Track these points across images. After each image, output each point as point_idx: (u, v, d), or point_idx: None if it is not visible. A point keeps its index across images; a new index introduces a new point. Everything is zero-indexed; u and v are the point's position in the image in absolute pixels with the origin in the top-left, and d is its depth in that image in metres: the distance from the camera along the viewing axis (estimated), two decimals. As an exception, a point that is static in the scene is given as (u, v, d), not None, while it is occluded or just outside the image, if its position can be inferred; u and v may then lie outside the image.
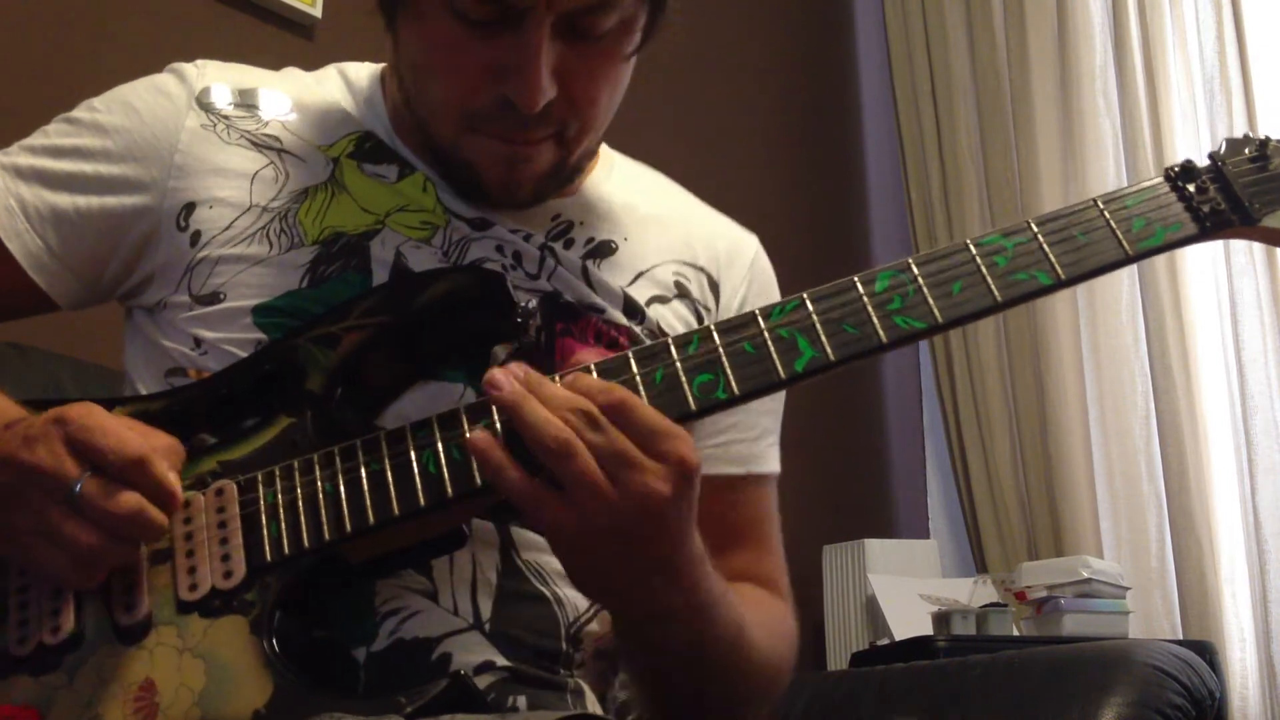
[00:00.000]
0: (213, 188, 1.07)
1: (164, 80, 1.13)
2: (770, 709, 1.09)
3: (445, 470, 0.88)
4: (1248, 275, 2.97)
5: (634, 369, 0.89)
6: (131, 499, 0.85)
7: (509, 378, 0.85)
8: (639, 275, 1.13)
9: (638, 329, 1.09)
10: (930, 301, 0.89)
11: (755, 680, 1.03)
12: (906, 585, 2.87)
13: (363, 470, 0.90)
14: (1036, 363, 3.20)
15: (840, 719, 1.73)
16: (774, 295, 1.20)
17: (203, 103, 1.11)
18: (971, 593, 2.89)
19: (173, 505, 0.88)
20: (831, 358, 0.89)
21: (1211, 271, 3.04)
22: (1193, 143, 3.07)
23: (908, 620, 2.75)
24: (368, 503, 0.89)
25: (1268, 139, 0.95)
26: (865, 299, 0.90)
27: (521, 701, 0.98)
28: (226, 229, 1.05)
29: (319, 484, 0.90)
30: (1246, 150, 0.95)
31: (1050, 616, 2.68)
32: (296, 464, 0.91)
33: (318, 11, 2.26)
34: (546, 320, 1.06)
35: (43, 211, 1.07)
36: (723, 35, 3.22)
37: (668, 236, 1.17)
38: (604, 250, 1.13)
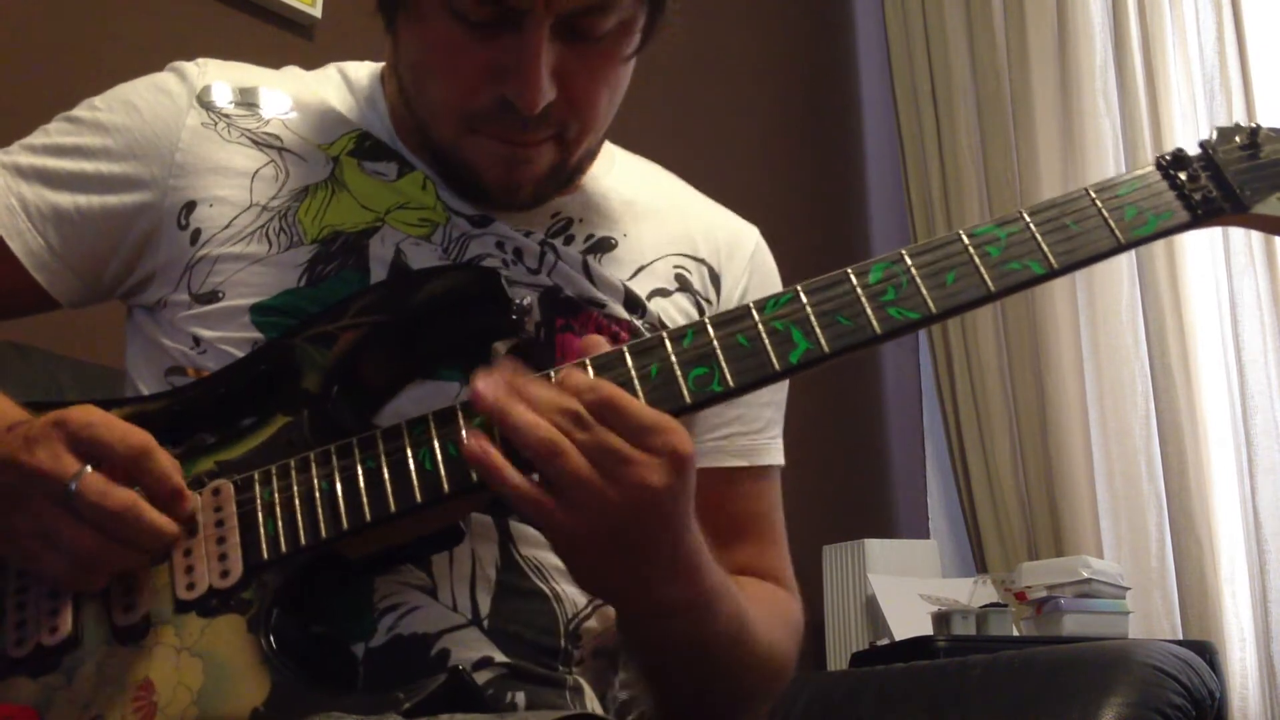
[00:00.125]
0: (213, 186, 1.07)
1: (165, 79, 1.13)
2: (775, 702, 1.09)
3: (442, 467, 0.88)
4: (1248, 275, 2.97)
5: (629, 363, 0.89)
6: (124, 495, 0.85)
7: (493, 383, 0.85)
8: (640, 269, 1.13)
9: (639, 323, 1.10)
10: (924, 292, 0.90)
11: (759, 673, 1.03)
12: (906, 585, 2.87)
13: (359, 467, 0.90)
14: (1036, 363, 3.20)
15: (840, 719, 1.73)
16: (775, 286, 1.20)
17: (204, 101, 1.11)
18: (971, 593, 2.89)
19: (179, 503, 0.88)
20: (826, 349, 0.89)
21: (1211, 271, 3.04)
22: (1192, 143, 3.06)
23: (908, 620, 2.75)
24: (364, 500, 0.89)
25: (1258, 127, 0.95)
26: (859, 290, 0.90)
27: (520, 698, 0.98)
28: (226, 227, 1.05)
29: (315, 482, 0.90)
30: (1237, 139, 0.95)
31: (1050, 616, 2.68)
32: (293, 462, 0.92)
33: (318, 11, 2.26)
34: (547, 316, 1.06)
35: (44, 210, 1.08)
36: (723, 35, 3.22)
37: (668, 229, 1.17)
38: (604, 246, 1.13)
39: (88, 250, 1.08)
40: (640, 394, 0.88)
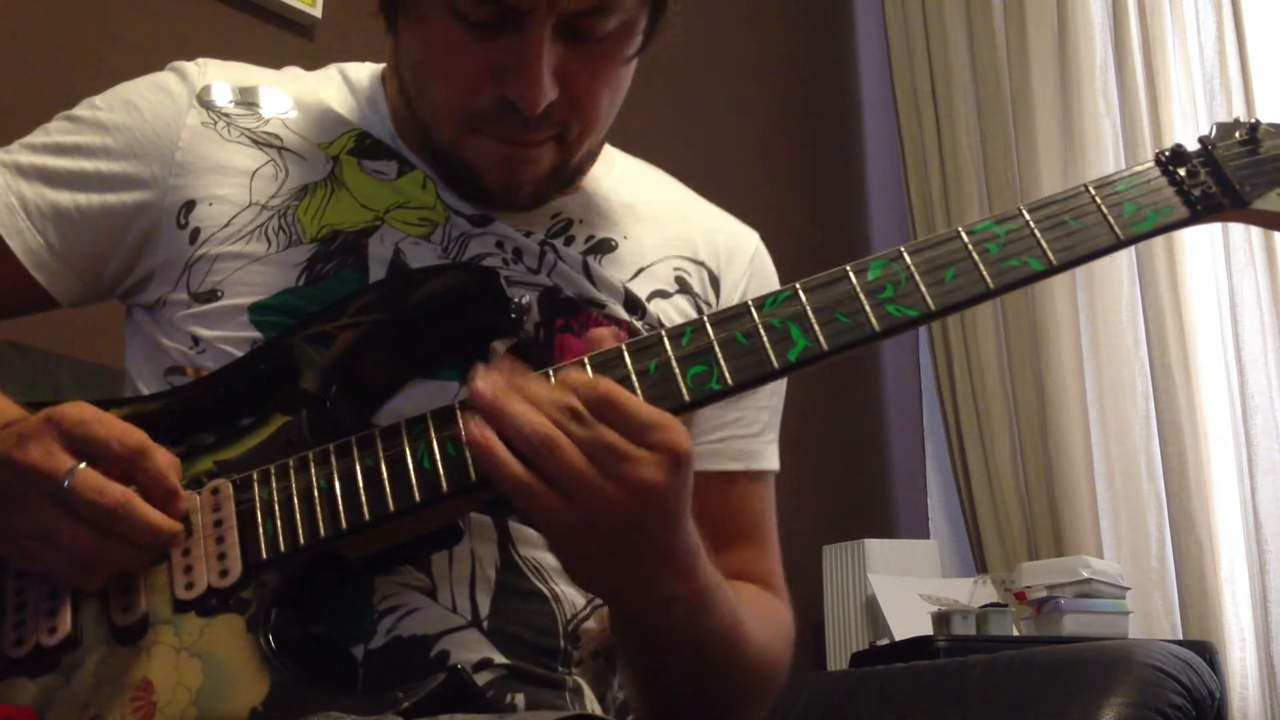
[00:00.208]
0: (212, 185, 1.07)
1: (165, 78, 1.13)
2: (767, 707, 1.08)
3: (440, 466, 0.88)
4: (1248, 275, 2.96)
5: (628, 361, 0.89)
6: (118, 491, 0.85)
7: (490, 379, 0.85)
8: (640, 271, 1.13)
9: (639, 324, 1.09)
10: (923, 289, 0.89)
11: (752, 676, 1.02)
12: (906, 585, 2.87)
13: (358, 466, 0.90)
14: (1036, 363, 3.20)
15: (840, 719, 1.73)
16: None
17: (203, 100, 1.11)
18: (971, 593, 2.88)
19: (173, 503, 0.88)
20: (825, 347, 0.89)
21: (1211, 271, 3.04)
22: (1192, 142, 3.06)
23: (908, 620, 2.75)
24: (363, 499, 0.89)
25: (1258, 122, 0.95)
26: (858, 288, 0.90)
27: (520, 699, 0.98)
28: (225, 226, 1.05)
29: (314, 481, 0.90)
30: (1237, 134, 0.95)
31: (1050, 616, 2.68)
32: (292, 462, 0.92)
33: (318, 11, 2.26)
34: (546, 316, 1.06)
35: (44, 209, 1.07)
36: (723, 35, 3.22)
37: (668, 232, 1.17)
38: (604, 247, 1.13)
39: (87, 249, 1.08)
40: (639, 392, 0.87)
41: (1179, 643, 1.97)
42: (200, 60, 1.15)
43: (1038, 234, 0.90)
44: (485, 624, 0.99)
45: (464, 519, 0.96)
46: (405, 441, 0.90)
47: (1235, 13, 3.06)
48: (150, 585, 0.89)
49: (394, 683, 0.85)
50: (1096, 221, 0.91)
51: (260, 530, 0.90)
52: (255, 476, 0.92)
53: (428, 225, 1.07)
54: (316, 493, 0.90)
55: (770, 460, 1.19)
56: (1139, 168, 0.94)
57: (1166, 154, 0.94)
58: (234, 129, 1.10)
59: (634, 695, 1.04)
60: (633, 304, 1.10)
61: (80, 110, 1.12)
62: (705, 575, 0.92)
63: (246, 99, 1.12)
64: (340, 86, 1.16)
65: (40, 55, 1.92)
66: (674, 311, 1.12)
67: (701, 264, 1.17)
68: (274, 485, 0.91)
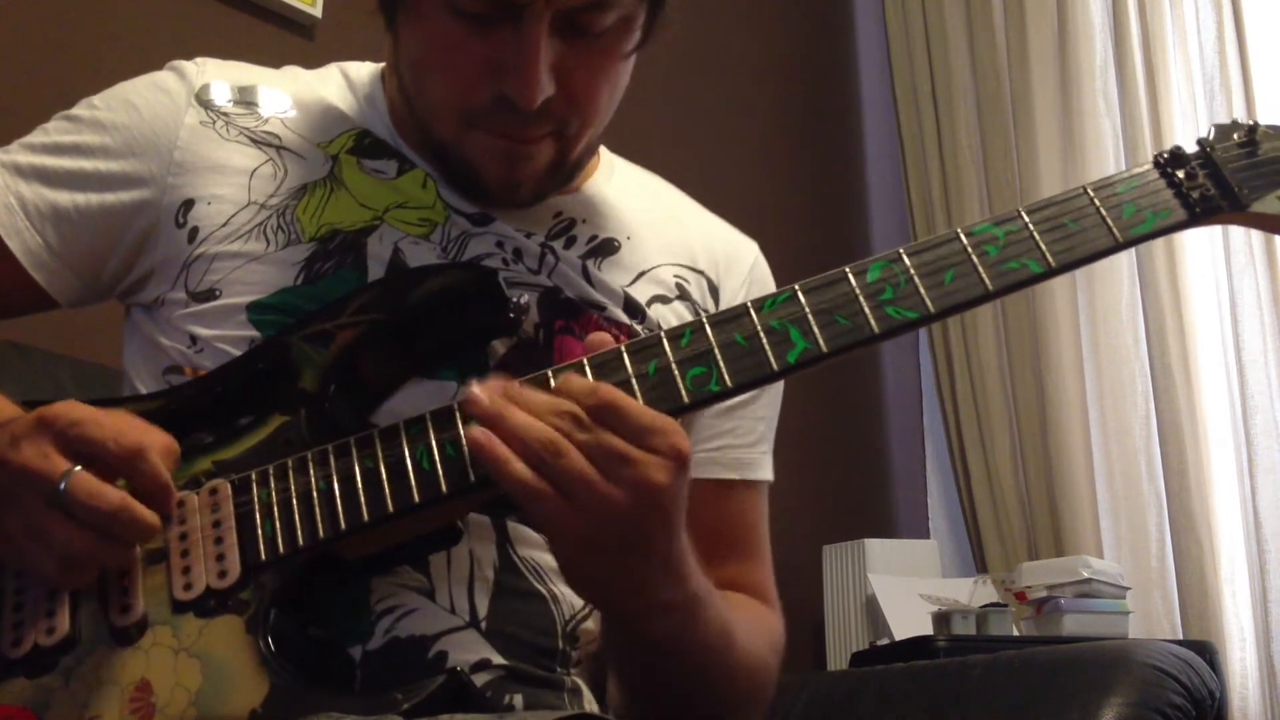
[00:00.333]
0: (211, 184, 1.07)
1: (164, 77, 1.13)
2: (757, 718, 1.08)
3: (439, 466, 0.88)
4: (1248, 275, 2.96)
5: (626, 362, 0.89)
6: (116, 495, 0.84)
7: (486, 390, 0.85)
8: (640, 274, 1.13)
9: (639, 328, 1.09)
10: (922, 291, 0.89)
11: (742, 686, 1.02)
12: (906, 585, 2.87)
13: (357, 467, 0.90)
14: (1036, 363, 3.20)
15: (840, 719, 1.72)
16: None
17: (202, 100, 1.11)
18: (971, 593, 2.88)
19: (167, 501, 0.88)
20: (824, 349, 0.89)
21: (1211, 271, 3.04)
22: (1192, 143, 3.06)
23: (908, 620, 2.74)
24: (362, 500, 0.89)
25: (1256, 125, 0.95)
26: (857, 289, 0.90)
27: (518, 700, 0.98)
28: (224, 225, 1.05)
29: (313, 482, 0.90)
30: (1235, 136, 0.95)
31: (1050, 616, 2.67)
32: (290, 462, 0.91)
33: (318, 11, 2.26)
34: (546, 317, 1.06)
35: (42, 209, 1.07)
36: (722, 35, 3.22)
37: (668, 239, 1.17)
38: (607, 248, 1.12)
39: (86, 249, 1.08)
40: (638, 394, 0.87)
41: (1179, 643, 1.97)
42: (199, 60, 1.15)
43: (1037, 236, 0.90)
44: (483, 624, 0.98)
45: (463, 520, 0.96)
46: (404, 442, 0.90)
47: (1235, 13, 3.06)
48: (149, 586, 0.89)
49: (392, 684, 0.85)
50: (1095, 223, 0.91)
51: (259, 531, 0.89)
52: (254, 477, 0.92)
53: (427, 225, 1.07)
54: (315, 494, 0.90)
55: (765, 471, 1.19)
56: (1138, 170, 0.94)
57: (1165, 156, 0.94)
58: (233, 128, 1.10)
59: (623, 702, 1.04)
60: (632, 308, 1.10)
61: (79, 110, 1.12)
62: (697, 582, 0.92)
63: (245, 98, 1.12)
64: (340, 85, 1.16)
65: (40, 55, 1.92)
66: (673, 317, 1.12)
67: (701, 272, 1.17)
68: (273, 486, 0.91)
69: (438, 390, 0.99)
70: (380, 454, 0.90)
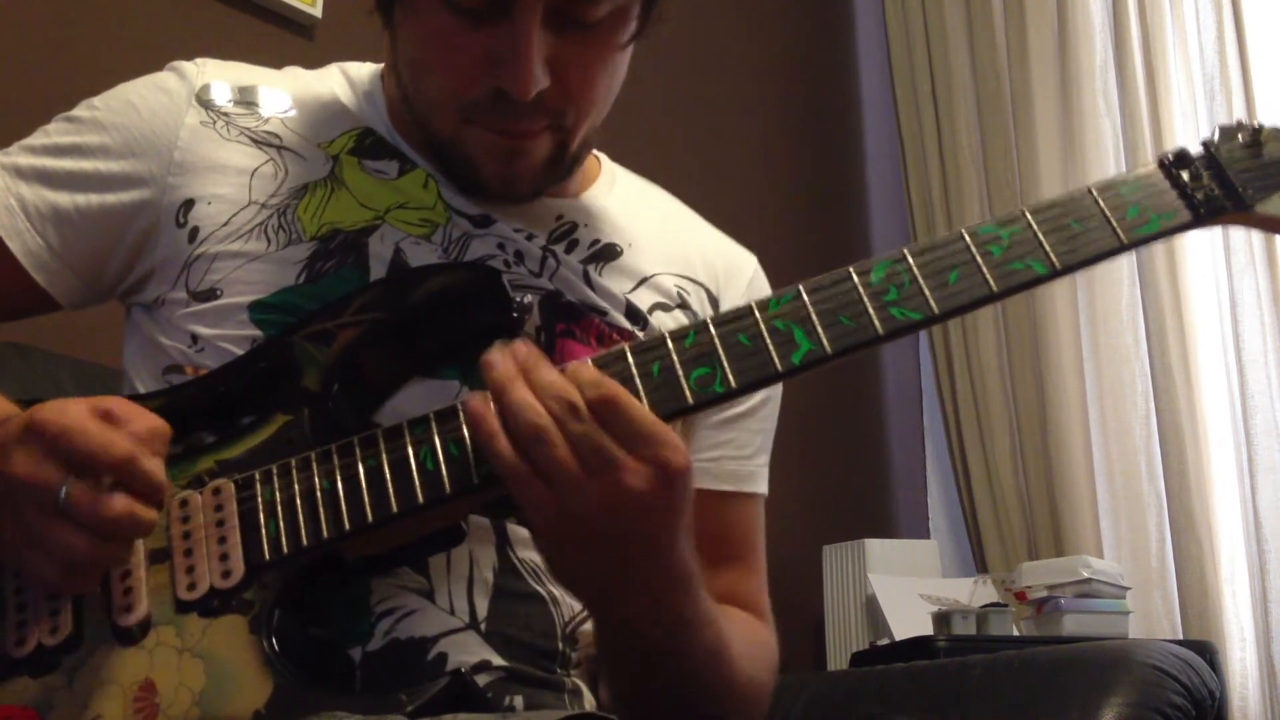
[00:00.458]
0: (211, 184, 1.07)
1: (164, 78, 1.13)
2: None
3: (443, 466, 0.88)
4: (1248, 275, 2.96)
5: (630, 361, 0.89)
6: (122, 501, 0.83)
7: (505, 357, 0.85)
8: (642, 281, 1.13)
9: (640, 334, 1.09)
10: (926, 292, 0.89)
11: (736, 701, 1.02)
12: (906, 585, 2.87)
13: (360, 467, 0.89)
14: (1036, 363, 3.20)
15: (840, 719, 1.72)
16: None
17: (202, 100, 1.11)
18: (971, 593, 2.88)
19: (160, 497, 0.87)
20: (828, 350, 0.88)
21: (1211, 271, 3.04)
22: (1193, 142, 3.04)
23: (908, 620, 2.75)
24: (365, 500, 0.88)
25: (1261, 126, 0.95)
26: (861, 290, 0.89)
27: (518, 701, 0.98)
28: (224, 225, 1.05)
29: (316, 482, 0.90)
30: (1240, 137, 0.94)
31: (1050, 616, 2.68)
32: (294, 462, 0.91)
33: (318, 11, 2.26)
34: (547, 320, 1.06)
35: (43, 210, 1.07)
36: (722, 35, 3.22)
37: (668, 249, 1.17)
38: (609, 253, 1.12)
39: (87, 249, 1.08)
40: (641, 393, 0.87)
41: (1179, 643, 1.97)
42: (199, 60, 1.14)
43: (1041, 237, 0.90)
44: (483, 626, 0.98)
45: (465, 521, 0.96)
46: (408, 442, 0.89)
47: (1235, 13, 3.06)
48: (152, 586, 0.89)
49: (392, 685, 0.85)
50: (1100, 225, 0.91)
51: (263, 531, 0.89)
52: (257, 476, 0.91)
53: (428, 226, 1.07)
54: (319, 493, 0.89)
55: (760, 484, 1.18)
56: (1142, 171, 0.94)
57: (1170, 157, 0.94)
58: (233, 128, 1.10)
59: (611, 709, 1.03)
60: (634, 314, 1.10)
61: (79, 111, 1.12)
62: (697, 597, 0.91)
63: (245, 98, 1.12)
64: (341, 84, 1.16)
65: (40, 55, 1.92)
66: (674, 325, 1.11)
67: (700, 284, 1.17)
68: (276, 485, 0.91)
69: (440, 390, 0.99)
70: (384, 454, 0.90)
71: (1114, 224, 0.91)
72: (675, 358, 0.89)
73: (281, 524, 0.89)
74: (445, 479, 0.88)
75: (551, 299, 1.07)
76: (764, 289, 1.22)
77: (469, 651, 0.97)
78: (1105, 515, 3.10)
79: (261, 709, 0.84)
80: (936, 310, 0.89)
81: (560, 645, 1.03)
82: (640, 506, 0.83)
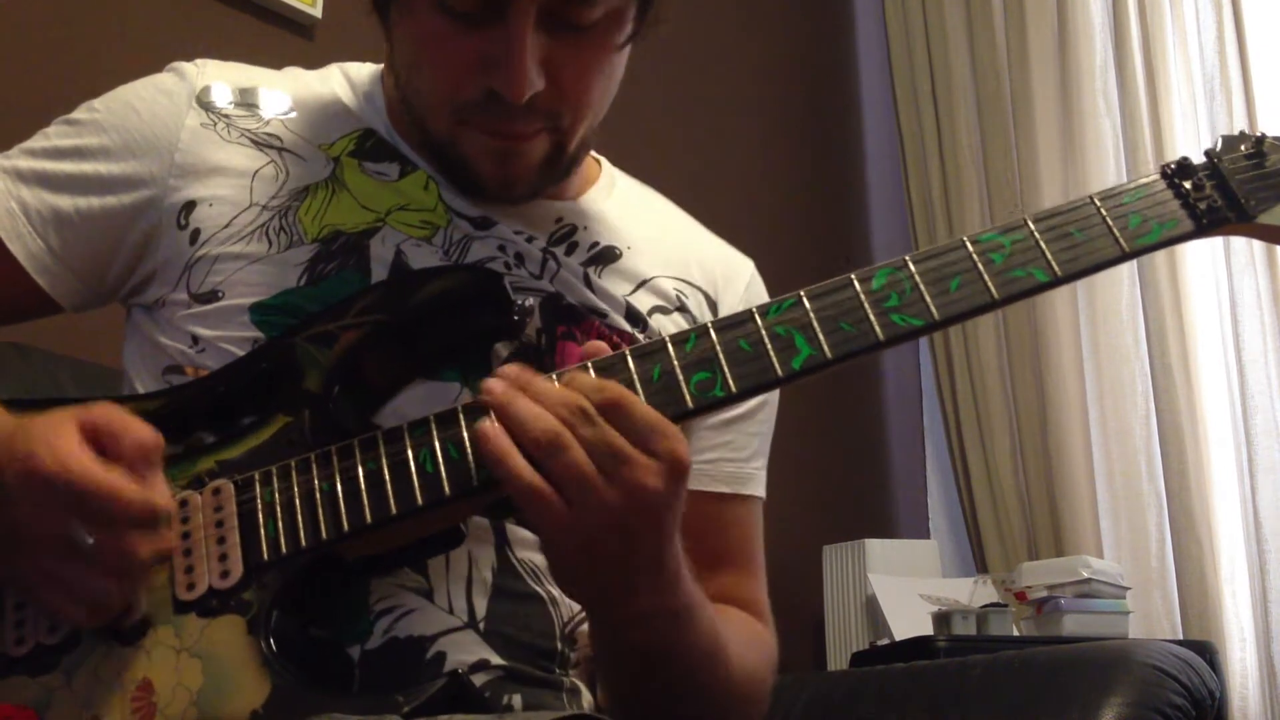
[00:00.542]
0: (213, 186, 1.07)
1: (164, 79, 1.13)
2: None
3: (443, 469, 0.88)
4: (1248, 275, 2.97)
5: (631, 366, 0.89)
6: (146, 546, 0.84)
7: (501, 380, 0.85)
8: (641, 284, 1.13)
9: (640, 336, 1.09)
10: (927, 299, 0.89)
11: (734, 699, 1.02)
12: (906, 585, 2.87)
13: (360, 469, 0.90)
14: (1036, 363, 3.20)
15: (840, 719, 1.72)
16: None
17: (203, 101, 1.11)
18: (971, 593, 2.88)
19: (170, 519, 0.87)
20: (829, 355, 0.88)
21: (1211, 271, 3.04)
22: (1193, 143, 3.07)
23: (908, 620, 2.75)
24: (365, 501, 0.89)
25: (1264, 136, 0.95)
26: (862, 296, 0.90)
27: (517, 700, 0.98)
28: (226, 227, 1.05)
29: (316, 483, 0.90)
30: (1243, 147, 0.95)
31: (1050, 616, 2.68)
32: (294, 463, 0.91)
33: (318, 11, 2.26)
34: (548, 322, 1.06)
35: (44, 213, 1.07)
36: (722, 35, 3.22)
37: (667, 253, 1.17)
38: (608, 256, 1.13)
39: (88, 252, 1.08)
40: (641, 398, 0.87)
41: (1179, 643, 1.97)
42: (199, 61, 1.15)
43: (1043, 244, 0.90)
44: (482, 625, 0.98)
45: (465, 522, 0.96)
46: (408, 444, 0.90)
47: (1235, 13, 3.06)
48: (151, 586, 0.89)
49: (390, 684, 0.85)
50: (1101, 233, 0.91)
51: (262, 531, 0.89)
52: (257, 477, 0.92)
53: (429, 228, 1.07)
54: (318, 494, 0.90)
55: (758, 487, 1.18)
56: (1144, 180, 0.94)
57: (1172, 166, 0.94)
58: (234, 130, 1.10)
59: (610, 710, 1.03)
60: (634, 317, 1.10)
61: (79, 113, 1.12)
62: (688, 592, 0.92)
63: (246, 100, 1.12)
64: (342, 85, 1.16)
65: (40, 55, 1.92)
66: (673, 328, 1.11)
67: (699, 288, 1.17)
68: (275, 486, 0.91)
69: (441, 392, 1.00)
70: (384, 456, 0.90)
71: (1116, 233, 0.91)
72: (676, 362, 0.89)
73: (280, 525, 0.89)
74: (445, 481, 0.88)
75: (552, 301, 1.07)
76: (761, 293, 1.22)
77: (467, 651, 0.97)
78: (1105, 515, 3.10)
79: (259, 709, 0.84)
80: (938, 317, 0.89)
81: (559, 645, 1.03)
82: (655, 502, 0.84)
